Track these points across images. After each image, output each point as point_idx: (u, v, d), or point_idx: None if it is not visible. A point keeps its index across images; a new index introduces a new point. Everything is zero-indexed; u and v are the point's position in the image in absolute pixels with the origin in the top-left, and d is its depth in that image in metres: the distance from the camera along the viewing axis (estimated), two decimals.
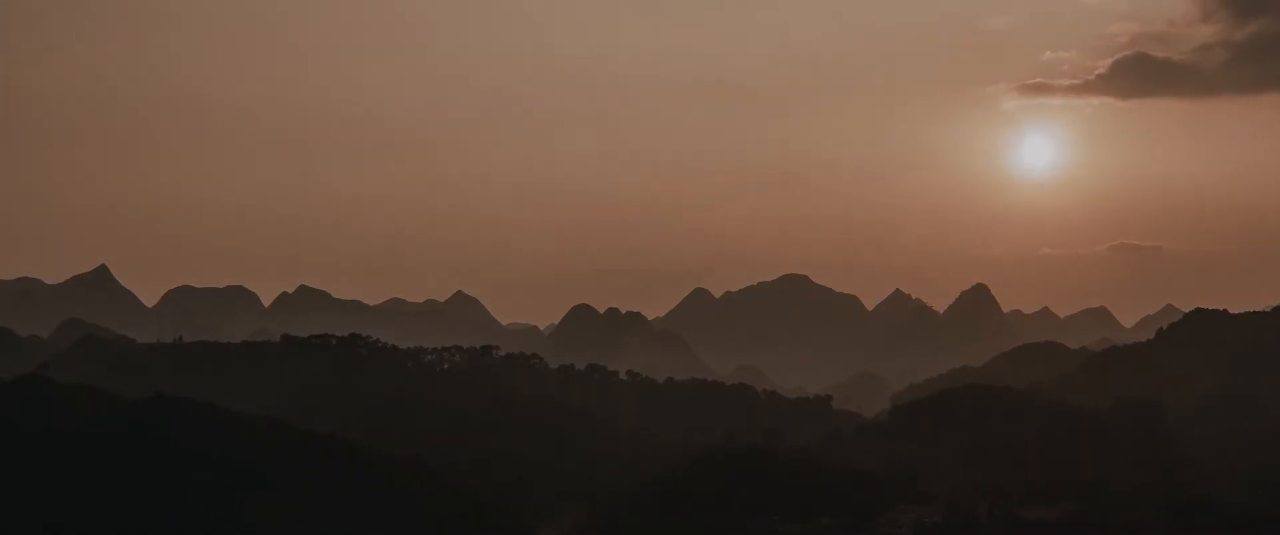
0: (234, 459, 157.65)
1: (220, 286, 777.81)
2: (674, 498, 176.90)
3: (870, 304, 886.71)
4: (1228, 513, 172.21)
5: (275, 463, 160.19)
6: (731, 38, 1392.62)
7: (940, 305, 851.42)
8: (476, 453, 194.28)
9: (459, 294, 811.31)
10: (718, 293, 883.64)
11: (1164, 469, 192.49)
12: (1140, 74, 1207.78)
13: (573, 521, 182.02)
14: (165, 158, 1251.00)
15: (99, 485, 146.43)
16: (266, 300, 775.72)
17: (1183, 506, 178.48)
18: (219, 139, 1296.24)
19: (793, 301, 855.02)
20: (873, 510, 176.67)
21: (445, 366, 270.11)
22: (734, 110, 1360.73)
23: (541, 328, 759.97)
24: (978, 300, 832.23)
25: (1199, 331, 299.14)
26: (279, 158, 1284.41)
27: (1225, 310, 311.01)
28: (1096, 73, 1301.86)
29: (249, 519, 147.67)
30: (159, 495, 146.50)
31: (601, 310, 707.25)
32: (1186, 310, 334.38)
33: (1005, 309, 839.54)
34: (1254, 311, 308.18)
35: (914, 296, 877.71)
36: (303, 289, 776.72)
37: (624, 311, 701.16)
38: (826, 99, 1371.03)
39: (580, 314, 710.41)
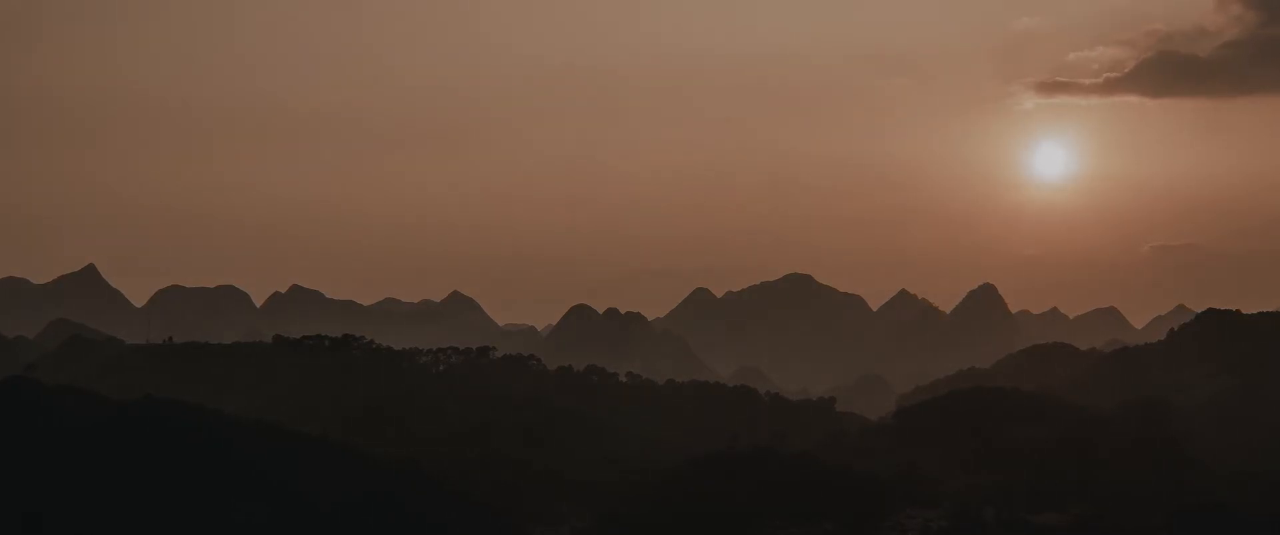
0: (225, 462, 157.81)
1: (211, 286, 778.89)
2: (675, 502, 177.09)
3: (875, 304, 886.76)
4: (1242, 517, 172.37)
5: (267, 466, 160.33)
6: (737, 34, 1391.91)
7: (947, 305, 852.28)
8: (473, 456, 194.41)
9: (455, 294, 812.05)
10: (719, 292, 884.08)
11: (1175, 473, 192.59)
12: (1166, 72, 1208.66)
13: (571, 526, 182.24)
14: (154, 155, 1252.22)
15: (87, 489, 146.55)
16: (258, 300, 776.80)
17: (1195, 511, 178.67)
18: (209, 137, 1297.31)
19: (796, 302, 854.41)
20: (878, 514, 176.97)
21: (441, 368, 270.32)
22: (738, 107, 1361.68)
23: (539, 328, 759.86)
24: (985, 300, 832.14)
25: (1211, 332, 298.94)
26: (271, 156, 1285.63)
27: (1238, 310, 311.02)
28: (1122, 72, 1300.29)
29: (240, 523, 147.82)
30: (148, 500, 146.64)
31: (601, 311, 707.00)
32: (1198, 310, 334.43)
33: (1013, 309, 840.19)
34: (1268, 312, 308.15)
35: (920, 297, 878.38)
36: (295, 289, 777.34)
37: (624, 312, 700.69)
38: (836, 96, 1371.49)
39: (579, 314, 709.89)
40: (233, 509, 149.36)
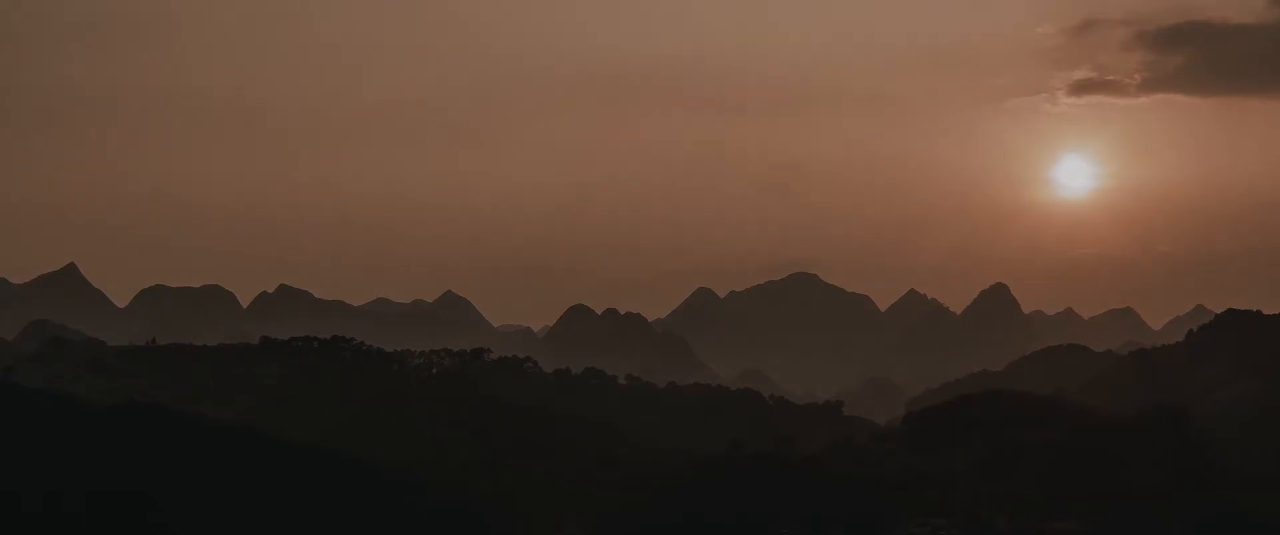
0: (211, 468, 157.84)
1: (196, 286, 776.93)
2: (676, 510, 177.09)
3: (883, 304, 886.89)
4: (1262, 525, 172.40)
5: (254, 472, 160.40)
6: (745, 30, 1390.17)
7: (958, 306, 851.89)
8: (466, 462, 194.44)
9: (448, 294, 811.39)
10: (722, 292, 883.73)
11: (1195, 479, 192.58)
12: (1197, 72, 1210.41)
13: (569, 534, 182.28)
14: (138, 151, 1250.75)
15: (70, 496, 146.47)
16: (244, 300, 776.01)
17: (1214, 518, 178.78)
18: (195, 132, 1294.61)
19: (801, 302, 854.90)
20: (886, 522, 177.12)
21: (434, 371, 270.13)
22: (743, 103, 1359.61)
23: (536, 329, 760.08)
24: (997, 301, 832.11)
25: (1231, 334, 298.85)
26: (258, 151, 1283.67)
27: (1259, 311, 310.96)
28: (1156, 72, 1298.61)
29: (228, 531, 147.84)
30: (134, 506, 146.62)
31: (599, 311, 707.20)
32: (1218, 311, 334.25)
33: (1027, 310, 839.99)
34: None
35: (930, 297, 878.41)
36: (283, 289, 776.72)
37: (623, 312, 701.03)
38: (846, 94, 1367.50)
39: (577, 315, 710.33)
40: (219, 516, 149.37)
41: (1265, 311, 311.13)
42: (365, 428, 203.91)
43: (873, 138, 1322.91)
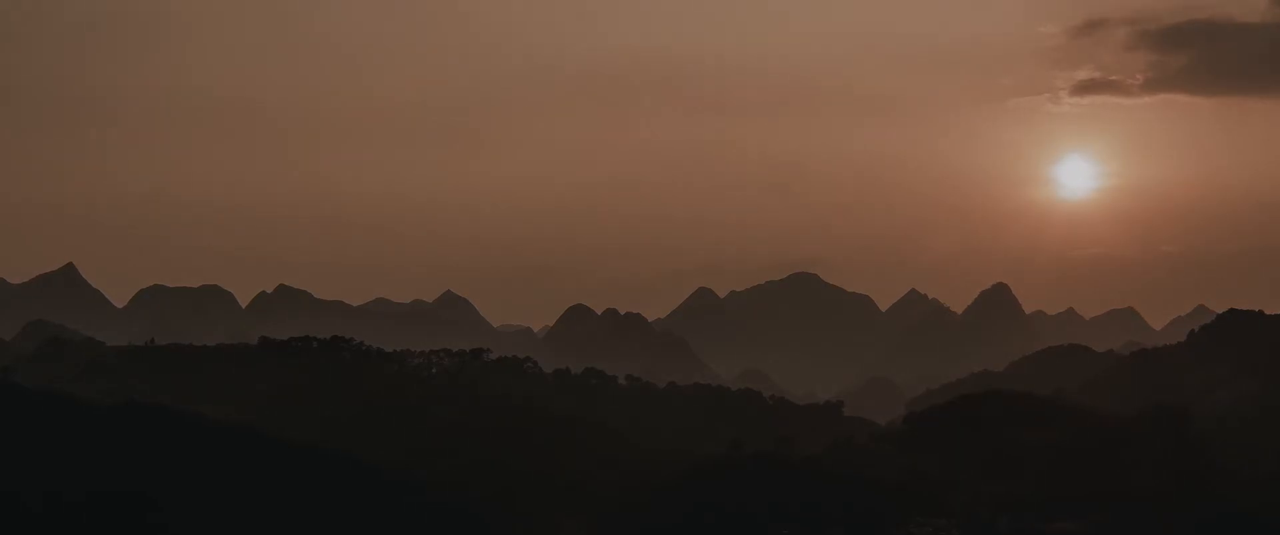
0: (210, 468, 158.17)
1: (194, 286, 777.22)
2: (676, 510, 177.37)
3: (884, 304, 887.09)
4: (1262, 525, 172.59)
5: (254, 472, 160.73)
6: (746, 29, 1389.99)
7: (959, 306, 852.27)
8: (465, 462, 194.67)
9: (448, 294, 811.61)
10: (722, 292, 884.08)
11: (1197, 480, 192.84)
12: (1199, 72, 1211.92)
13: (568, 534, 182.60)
14: (138, 151, 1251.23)
15: (70, 496, 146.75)
16: (243, 300, 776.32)
17: (1214, 518, 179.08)
18: (195, 132, 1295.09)
19: (802, 301, 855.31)
20: (887, 522, 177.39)
21: (433, 371, 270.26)
22: (743, 100, 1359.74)
23: (536, 330, 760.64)
24: (998, 301, 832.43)
25: (1233, 334, 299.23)
26: (258, 151, 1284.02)
27: (1261, 311, 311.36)
28: (1159, 72, 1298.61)
29: (228, 531, 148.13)
30: (134, 506, 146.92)
31: (599, 311, 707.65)
32: (1219, 311, 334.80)
33: (1028, 310, 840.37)
34: None
35: (931, 296, 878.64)
36: (282, 289, 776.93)
37: (623, 312, 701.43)
38: (847, 93, 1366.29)
39: (576, 315, 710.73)
40: (218, 516, 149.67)
41: (1266, 311, 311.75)
42: (365, 428, 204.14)
43: (873, 137, 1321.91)
